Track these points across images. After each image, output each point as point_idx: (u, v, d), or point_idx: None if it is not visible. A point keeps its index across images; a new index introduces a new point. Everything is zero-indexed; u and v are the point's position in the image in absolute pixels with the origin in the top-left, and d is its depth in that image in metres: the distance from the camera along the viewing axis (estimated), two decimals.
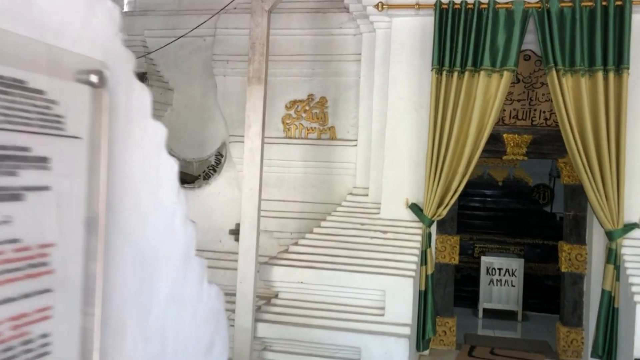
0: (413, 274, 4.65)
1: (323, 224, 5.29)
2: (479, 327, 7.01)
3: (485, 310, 7.35)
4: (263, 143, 4.67)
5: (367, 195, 5.48)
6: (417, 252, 4.90)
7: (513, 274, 7.34)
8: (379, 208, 5.32)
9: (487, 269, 7.41)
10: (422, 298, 5.00)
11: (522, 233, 8.19)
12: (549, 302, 7.81)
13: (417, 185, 5.21)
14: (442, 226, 5.71)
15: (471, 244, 8.25)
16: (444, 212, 5.05)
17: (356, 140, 5.62)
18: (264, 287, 4.99)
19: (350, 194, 5.56)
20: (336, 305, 4.72)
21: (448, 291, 5.78)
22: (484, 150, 5.27)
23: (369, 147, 5.50)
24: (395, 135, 5.27)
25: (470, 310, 7.65)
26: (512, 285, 7.33)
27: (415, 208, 5.14)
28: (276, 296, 4.93)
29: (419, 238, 5.03)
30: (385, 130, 5.31)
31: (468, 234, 8.28)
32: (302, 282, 4.78)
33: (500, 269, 7.38)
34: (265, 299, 5.02)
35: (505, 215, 8.58)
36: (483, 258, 7.46)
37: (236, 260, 5.15)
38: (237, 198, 5.87)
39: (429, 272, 5.03)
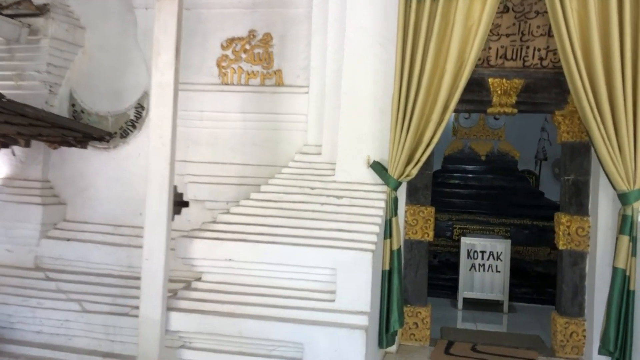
0: (373, 247, 3.65)
1: (263, 188, 4.27)
2: (459, 319, 6.05)
3: (466, 300, 6.40)
4: (177, 76, 3.63)
5: (320, 154, 4.47)
6: (379, 221, 3.90)
7: (498, 257, 6.40)
8: (334, 169, 4.31)
9: (468, 252, 6.45)
10: (386, 280, 4.02)
11: (508, 213, 7.25)
12: (540, 291, 6.90)
13: (380, 140, 4.21)
14: (414, 195, 4.71)
15: (450, 224, 7.29)
16: (414, 172, 4.06)
17: (307, 86, 4.60)
18: (185, 268, 3.95)
19: (300, 152, 4.54)
20: (274, 289, 3.71)
21: (420, 274, 4.79)
22: (463, 101, 4.34)
23: (323, 95, 4.49)
24: (355, 77, 4.27)
25: (449, 300, 6.70)
26: (497, 271, 6.39)
27: (378, 167, 4.14)
28: (199, 279, 3.89)
29: (383, 204, 4.04)
30: (342, 72, 4.30)
31: (447, 214, 7.33)
32: (231, 260, 3.75)
33: (483, 252, 6.44)
34: (184, 283, 3.97)
35: (489, 194, 7.63)
36: (463, 239, 6.50)
37: None
38: None
39: (395, 247, 4.04)
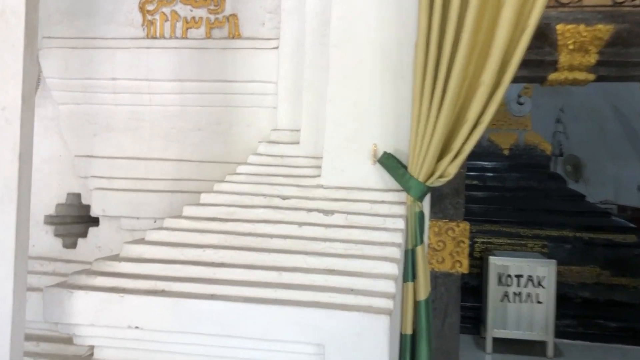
0: (388, 304, 2.06)
1: (205, 198, 2.67)
2: None
3: (497, 340, 4.86)
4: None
5: (297, 143, 2.89)
6: (396, 253, 2.31)
7: (539, 283, 4.88)
8: (318, 167, 2.73)
9: (499, 277, 4.92)
10: (407, 350, 2.45)
11: (541, 222, 5.74)
12: (587, 323, 5.40)
13: (394, 119, 2.65)
14: (439, 205, 3.19)
15: (469, 237, 5.75)
16: (452, 170, 2.50)
17: (277, 38, 3.01)
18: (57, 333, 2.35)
19: (266, 141, 2.95)
20: None
21: (450, 324, 3.25)
22: None
23: (301, 51, 2.91)
24: (352, 19, 2.69)
25: (471, 338, 5.19)
26: (538, 302, 4.86)
27: (392, 163, 2.57)
28: (90, 355, 2.29)
29: (401, 224, 2.46)
30: (331, 13, 2.72)
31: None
32: (138, 328, 2.14)
33: (519, 277, 4.91)
34: None
35: (516, 197, 6.10)
36: (492, 259, 4.97)
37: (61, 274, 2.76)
38: (59, 156, 3.21)
39: (423, 297, 2.48)
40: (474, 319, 5.45)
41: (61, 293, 2.19)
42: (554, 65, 3.14)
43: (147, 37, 3.12)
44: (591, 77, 3.13)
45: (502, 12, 2.34)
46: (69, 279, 2.26)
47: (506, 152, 6.40)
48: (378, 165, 2.63)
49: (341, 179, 2.67)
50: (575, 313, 5.41)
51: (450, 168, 2.47)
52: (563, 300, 5.38)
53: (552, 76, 3.19)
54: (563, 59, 3.05)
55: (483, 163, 6.44)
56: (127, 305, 2.13)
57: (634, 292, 5.44)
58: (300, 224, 2.44)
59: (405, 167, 2.53)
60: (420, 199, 2.51)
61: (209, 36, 3.09)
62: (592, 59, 3.02)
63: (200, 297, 2.12)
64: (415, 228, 2.47)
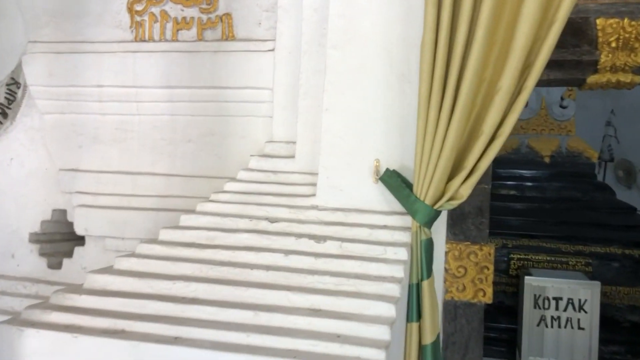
0: (379, 357, 1.71)
1: (184, 220, 2.38)
2: None
3: None
4: None
5: (292, 157, 2.57)
6: (394, 291, 1.96)
7: (581, 307, 4.40)
8: (314, 184, 2.41)
9: (536, 299, 4.47)
10: None
11: (586, 237, 5.23)
12: (636, 350, 4.86)
13: (399, 131, 2.30)
14: (459, 225, 2.81)
15: (505, 253, 5.29)
16: (465, 192, 2.13)
17: (274, 39, 2.70)
18: None
19: (259, 155, 2.65)
20: None
21: None
22: (547, 67, 2.43)
23: (298, 53, 2.59)
24: (353, 18, 2.36)
25: None
26: (580, 328, 4.39)
27: (395, 182, 2.22)
28: None
29: (403, 255, 2.11)
30: (329, 12, 2.39)
31: (499, 239, 5.33)
32: None
33: (558, 299, 4.45)
34: None
35: (557, 209, 5.59)
36: (528, 280, 4.52)
37: (44, 298, 2.56)
38: (45, 169, 2.99)
39: (429, 340, 2.13)
40: (509, 342, 5.01)
41: (10, 331, 1.94)
42: (593, 66, 2.72)
43: (136, 40, 2.87)
44: (638, 79, 2.70)
45: (524, 4, 1.96)
46: (22, 314, 2.01)
47: (547, 160, 5.89)
48: (381, 184, 2.29)
49: (338, 199, 2.34)
50: (623, 339, 4.88)
51: (463, 189, 2.10)
52: (609, 324, 4.86)
53: (592, 79, 2.77)
54: (604, 58, 2.63)
55: (522, 171, 5.95)
56: (81, 347, 1.87)
57: None
58: (287, 253, 2.12)
59: (410, 187, 2.17)
60: (428, 224, 2.15)
61: (200, 38, 2.81)
62: (639, 58, 2.59)
63: (162, 340, 1.83)
64: (421, 259, 2.12)
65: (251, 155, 2.61)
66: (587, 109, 9.35)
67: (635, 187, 9.60)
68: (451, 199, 2.12)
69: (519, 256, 5.19)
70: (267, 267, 2.08)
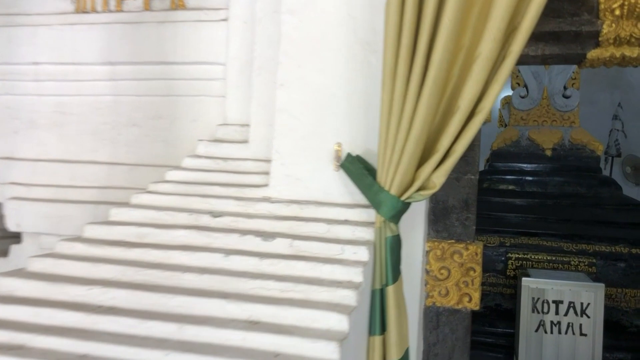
0: None
1: (114, 213, 2.06)
2: None
3: None
4: None
5: (246, 142, 2.25)
6: (349, 299, 1.63)
7: (584, 312, 4.05)
8: (267, 173, 2.08)
9: (534, 303, 4.13)
10: None
11: (590, 235, 4.87)
12: None
13: (365, 111, 1.96)
14: (442, 221, 2.50)
15: (502, 252, 4.94)
16: (438, 180, 1.78)
17: (227, 8, 2.37)
18: None
19: (209, 140, 2.32)
20: None
21: None
22: (538, 38, 2.14)
23: (253, 23, 2.26)
24: None
25: None
26: (582, 334, 4.04)
27: (356, 170, 1.89)
28: None
29: (363, 255, 1.78)
30: None
31: (497, 237, 4.98)
32: None
33: (558, 303, 4.10)
34: None
35: (559, 205, 5.23)
36: (526, 281, 4.17)
37: None
38: None
39: (395, 358, 1.78)
40: (507, 348, 4.66)
41: None
42: (595, 39, 2.38)
43: (76, 11, 2.55)
44: None
45: None
46: None
47: (549, 153, 5.53)
48: (343, 172, 1.96)
49: (294, 189, 2.01)
50: (630, 345, 4.52)
51: (435, 177, 1.76)
52: (614, 329, 4.51)
53: (594, 53, 2.42)
54: (607, 29, 2.29)
55: (522, 165, 5.60)
56: None
57: None
58: (228, 253, 1.80)
59: (374, 175, 1.84)
60: (394, 219, 1.81)
61: (148, 8, 2.48)
62: None
63: (65, 358, 1.51)
64: (386, 260, 1.78)
65: (199, 140, 2.28)
66: (594, 104, 9.00)
67: None
68: (422, 188, 1.78)
69: (517, 255, 4.84)
70: (203, 270, 1.75)
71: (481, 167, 5.74)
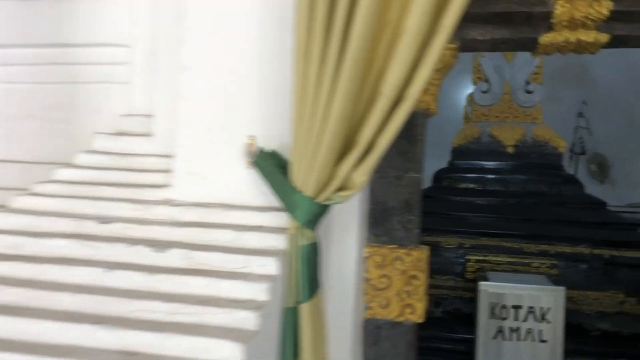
0: None
1: None
2: None
3: None
4: None
5: (149, 135, 1.95)
6: (248, 323, 1.35)
7: (544, 317, 3.86)
8: (170, 171, 1.79)
9: (492, 308, 3.92)
10: None
11: (552, 235, 4.70)
12: None
13: (282, 98, 1.69)
14: (382, 224, 2.25)
15: (461, 254, 4.73)
16: (359, 178, 1.52)
17: None
18: None
19: (109, 133, 2.01)
20: None
21: None
22: (484, 19, 1.91)
23: None
24: None
25: None
26: (542, 341, 3.85)
27: (268, 165, 1.61)
28: None
29: (270, 268, 1.51)
30: None
31: (456, 237, 4.77)
32: None
33: (517, 308, 3.90)
34: None
35: (522, 204, 5.06)
36: (483, 285, 3.96)
37: None
38: None
39: None
40: (467, 354, 4.46)
41: None
42: (547, 21, 2.15)
43: None
44: (603, 38, 2.14)
45: None
46: None
47: (511, 150, 5.35)
48: (254, 171, 1.68)
49: (200, 190, 1.73)
50: (592, 350, 4.36)
51: (357, 175, 1.50)
52: (576, 333, 4.34)
53: (546, 38, 2.20)
54: (560, 9, 2.07)
55: (483, 163, 5.41)
56: None
57: None
58: (110, 267, 1.50)
59: (284, 172, 1.57)
60: (310, 224, 1.54)
61: None
62: (604, 8, 2.03)
63: None
64: (300, 273, 1.51)
65: (96, 133, 1.98)
66: (560, 101, 8.90)
67: (608, 182, 9.23)
68: (342, 188, 1.52)
69: (477, 257, 4.64)
70: (79, 288, 1.46)
71: (442, 164, 5.54)
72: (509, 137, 5.49)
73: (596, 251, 4.56)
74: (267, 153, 1.62)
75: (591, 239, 4.66)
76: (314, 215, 1.52)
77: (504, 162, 5.40)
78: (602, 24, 2.12)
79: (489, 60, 5.46)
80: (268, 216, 1.65)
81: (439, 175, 5.39)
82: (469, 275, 4.60)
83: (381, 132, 1.47)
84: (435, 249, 4.72)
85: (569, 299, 4.33)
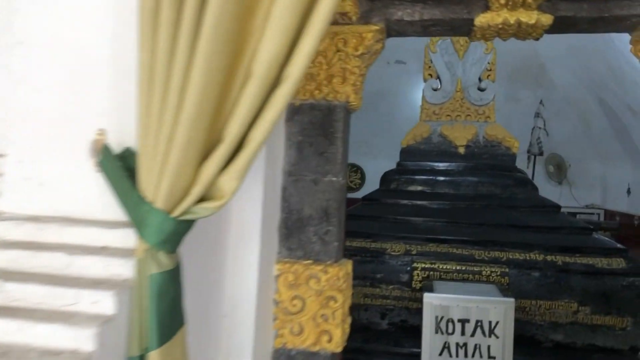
0: None
1: None
2: None
3: None
4: None
5: None
6: None
7: (492, 331, 3.58)
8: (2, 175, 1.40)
9: (437, 322, 3.62)
10: None
11: (504, 241, 4.44)
12: None
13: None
14: (297, 235, 1.90)
15: (408, 262, 4.42)
16: (229, 186, 1.16)
17: None
18: None
19: None
20: None
21: None
22: (419, 1, 1.56)
23: None
24: None
25: None
26: (490, 357, 3.56)
27: (114, 168, 1.24)
28: None
29: (108, 306, 1.13)
30: None
31: (403, 244, 4.46)
32: None
33: (464, 322, 3.61)
34: None
35: (472, 207, 4.79)
36: (428, 297, 3.65)
37: None
38: None
39: None
40: None
41: None
42: (484, 1, 1.84)
43: None
44: (546, 19, 1.84)
45: None
46: None
47: (462, 151, 5.09)
48: (104, 175, 1.31)
49: (36, 200, 1.35)
50: None
51: (224, 180, 1.14)
52: (529, 345, 4.08)
53: (483, 19, 1.89)
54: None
55: (433, 164, 5.12)
56: None
57: (621, 334, 4.17)
58: None
59: (132, 180, 1.20)
60: (165, 246, 1.18)
61: None
62: None
63: None
64: (149, 310, 1.15)
65: None
66: (518, 101, 8.77)
67: (566, 183, 9.16)
68: (206, 198, 1.16)
69: (423, 265, 4.34)
70: None
71: (392, 165, 5.26)
72: (460, 136, 5.24)
73: (549, 258, 4.31)
74: (114, 152, 1.26)
75: (544, 244, 4.42)
76: (168, 234, 1.15)
77: (454, 163, 5.14)
78: (545, 3, 1.83)
79: (439, 56, 5.20)
80: (117, 234, 1.28)
81: (386, 178, 5.10)
82: (416, 285, 4.29)
83: (255, 124, 1.12)
84: (380, 257, 4.42)
85: (520, 309, 4.08)
